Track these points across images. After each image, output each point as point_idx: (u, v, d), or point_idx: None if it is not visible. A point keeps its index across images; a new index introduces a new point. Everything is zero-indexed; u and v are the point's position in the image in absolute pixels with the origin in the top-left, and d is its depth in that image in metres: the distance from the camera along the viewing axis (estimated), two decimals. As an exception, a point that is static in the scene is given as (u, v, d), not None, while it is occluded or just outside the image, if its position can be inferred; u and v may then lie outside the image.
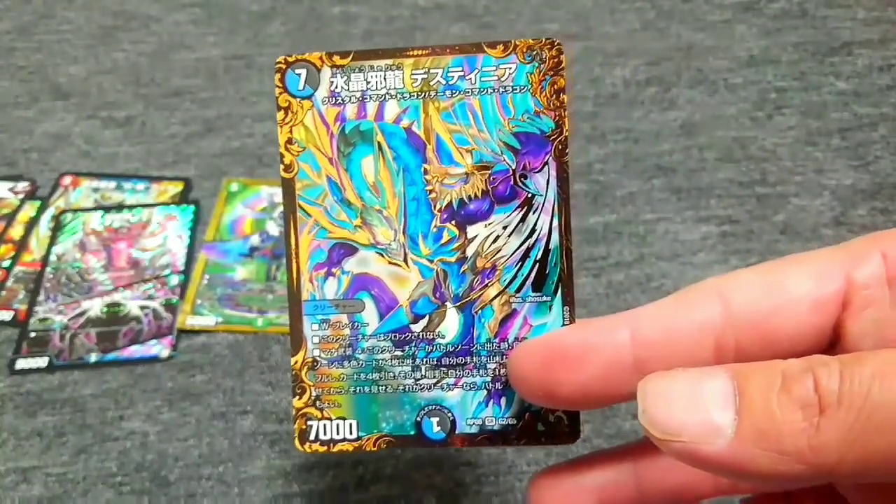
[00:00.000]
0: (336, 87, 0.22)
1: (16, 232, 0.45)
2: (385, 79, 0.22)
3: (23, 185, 0.47)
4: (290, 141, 0.22)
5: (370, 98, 0.22)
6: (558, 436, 0.23)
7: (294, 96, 0.22)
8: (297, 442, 0.23)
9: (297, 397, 0.23)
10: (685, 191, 0.46)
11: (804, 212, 0.45)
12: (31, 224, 0.45)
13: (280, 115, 0.23)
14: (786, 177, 0.47)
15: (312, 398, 0.23)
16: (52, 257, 0.44)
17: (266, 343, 0.40)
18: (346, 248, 0.23)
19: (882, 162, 0.47)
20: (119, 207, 0.46)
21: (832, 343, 0.20)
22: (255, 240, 0.44)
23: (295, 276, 0.23)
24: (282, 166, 0.23)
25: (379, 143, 0.22)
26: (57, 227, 0.45)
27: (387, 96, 0.22)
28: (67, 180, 0.47)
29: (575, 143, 0.49)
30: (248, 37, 0.57)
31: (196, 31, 0.57)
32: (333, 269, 0.23)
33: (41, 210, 0.46)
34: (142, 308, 0.42)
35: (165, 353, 0.40)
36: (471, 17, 0.58)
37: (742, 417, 0.17)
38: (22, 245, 0.44)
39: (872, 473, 0.16)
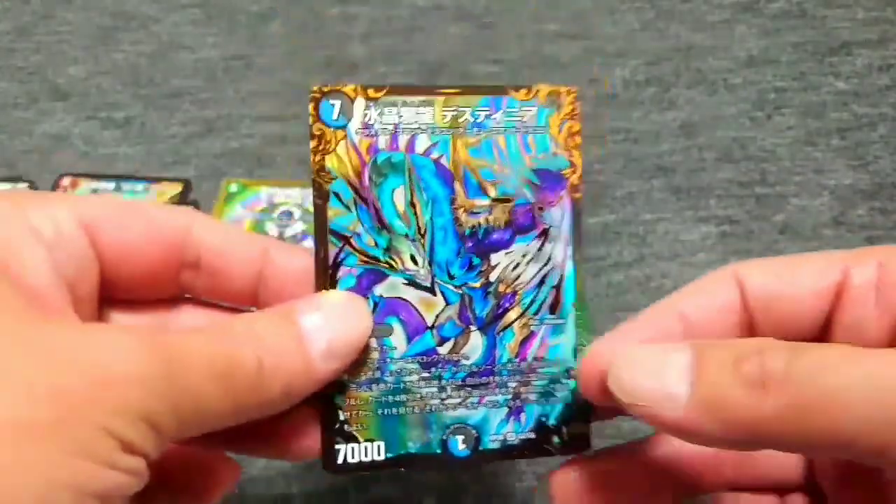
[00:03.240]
0: (369, 119, 0.23)
1: (15, 233, 0.45)
2: (417, 114, 0.23)
3: (22, 186, 0.47)
4: (322, 169, 0.23)
5: (402, 131, 0.23)
6: (573, 446, 0.24)
7: (328, 126, 0.23)
8: (323, 466, 0.23)
9: (325, 421, 0.23)
10: (685, 191, 0.46)
11: (803, 212, 0.45)
12: (31, 225, 0.45)
13: (313, 143, 0.23)
14: (785, 177, 0.47)
15: (340, 422, 0.23)
16: (52, 258, 0.44)
17: (266, 344, 0.40)
18: (375, 275, 0.23)
19: (881, 162, 0.47)
20: (118, 208, 0.46)
21: (824, 329, 0.22)
22: (254, 240, 0.44)
23: None
24: (314, 193, 0.23)
25: (409, 174, 0.23)
26: (56, 228, 0.45)
27: (418, 130, 0.23)
28: (66, 181, 0.47)
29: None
30: (248, 37, 0.57)
31: (195, 32, 0.57)
32: (363, 294, 0.23)
33: (40, 211, 0.46)
34: (141, 309, 0.42)
35: (165, 353, 0.40)
36: (470, 18, 0.58)
37: (695, 389, 0.19)
38: (21, 246, 0.44)
39: (805, 447, 0.19)
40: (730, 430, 0.19)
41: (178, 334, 0.19)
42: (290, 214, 0.45)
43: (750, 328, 0.23)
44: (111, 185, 0.47)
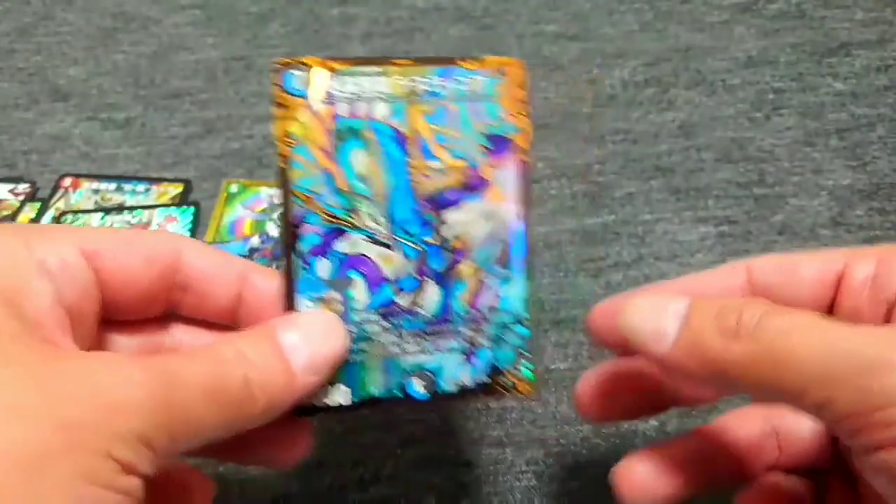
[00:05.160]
0: (331, 89, 0.25)
1: (16, 233, 0.45)
2: (375, 83, 0.25)
3: (23, 187, 0.47)
4: (286, 134, 0.25)
5: (362, 99, 0.25)
6: (522, 389, 0.27)
7: (291, 94, 0.25)
8: (293, 411, 0.24)
9: None
10: (683, 191, 0.47)
11: (802, 212, 0.45)
12: (32, 225, 0.45)
13: (278, 111, 0.25)
14: (784, 177, 0.47)
15: None
16: (53, 259, 0.44)
17: (266, 344, 0.40)
18: (337, 232, 0.25)
19: (879, 162, 0.47)
20: (119, 209, 0.46)
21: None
22: (254, 241, 0.44)
23: (289, 258, 0.25)
24: (278, 157, 0.25)
25: (368, 138, 0.25)
26: (57, 229, 0.45)
27: (376, 99, 0.25)
28: (67, 182, 0.48)
29: (574, 143, 0.49)
30: (248, 38, 0.57)
31: (195, 33, 0.58)
32: (326, 251, 0.25)
33: (41, 212, 0.46)
34: (142, 309, 0.42)
35: (166, 353, 0.40)
36: (470, 19, 0.58)
37: (682, 331, 0.22)
38: (22, 246, 0.44)
39: (764, 393, 0.22)
40: (704, 368, 0.22)
41: (174, 359, 0.21)
42: (290, 215, 0.45)
43: None
44: (112, 185, 0.47)
